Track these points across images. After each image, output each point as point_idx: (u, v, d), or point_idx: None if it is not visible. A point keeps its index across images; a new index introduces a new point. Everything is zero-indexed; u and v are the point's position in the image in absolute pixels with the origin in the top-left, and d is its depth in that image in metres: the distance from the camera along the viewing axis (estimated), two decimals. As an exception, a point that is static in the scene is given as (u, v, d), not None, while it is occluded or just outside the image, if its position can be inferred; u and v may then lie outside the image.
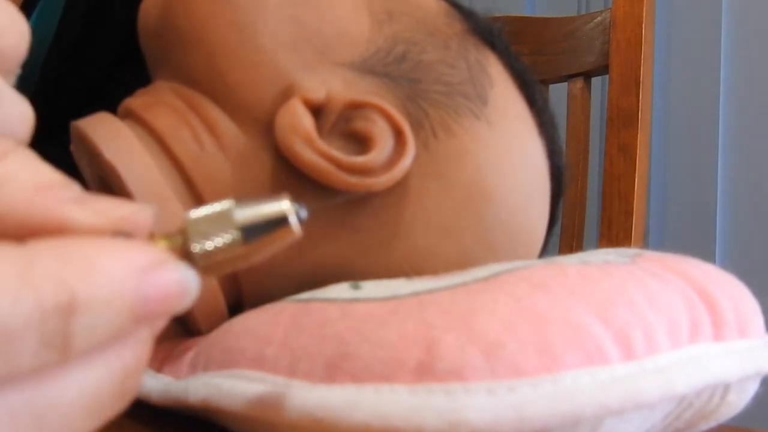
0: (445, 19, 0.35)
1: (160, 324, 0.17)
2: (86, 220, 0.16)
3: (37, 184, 0.16)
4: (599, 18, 0.83)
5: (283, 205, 0.18)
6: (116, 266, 0.15)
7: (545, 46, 0.88)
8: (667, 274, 0.28)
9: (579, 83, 0.86)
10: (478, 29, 0.36)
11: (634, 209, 0.75)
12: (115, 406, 0.16)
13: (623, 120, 0.77)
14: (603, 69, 0.83)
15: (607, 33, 0.81)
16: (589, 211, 0.88)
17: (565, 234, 0.84)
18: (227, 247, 0.18)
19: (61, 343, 0.14)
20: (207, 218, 0.18)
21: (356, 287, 0.28)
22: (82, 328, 0.15)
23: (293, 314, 0.27)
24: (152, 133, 0.31)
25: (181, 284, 0.16)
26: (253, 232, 0.18)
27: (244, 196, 0.19)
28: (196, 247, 0.18)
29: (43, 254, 0.15)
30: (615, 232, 0.76)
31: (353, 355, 0.24)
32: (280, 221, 0.18)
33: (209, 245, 0.18)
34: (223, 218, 0.18)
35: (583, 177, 0.85)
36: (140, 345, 0.16)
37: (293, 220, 0.18)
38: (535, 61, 0.87)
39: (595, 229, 0.82)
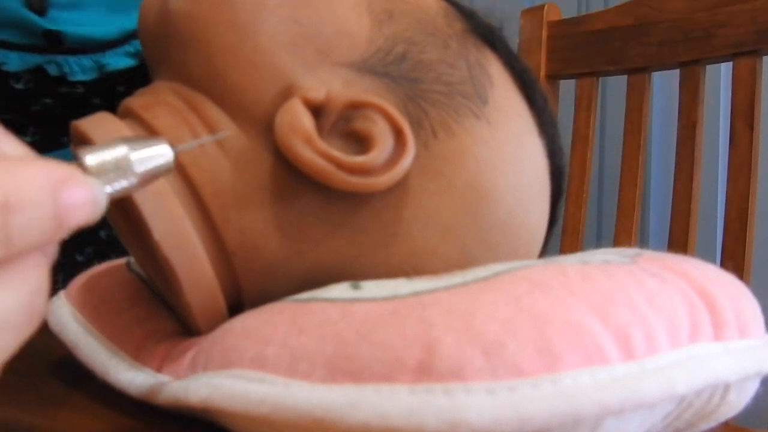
0: (444, 18, 0.35)
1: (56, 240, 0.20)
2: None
3: None
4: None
5: (170, 154, 0.23)
6: (38, 176, 0.18)
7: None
8: (667, 274, 0.28)
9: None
10: (478, 29, 0.36)
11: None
12: (26, 324, 0.19)
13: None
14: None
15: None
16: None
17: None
18: (125, 188, 0.22)
19: (3, 237, 0.17)
20: (106, 164, 0.22)
21: (356, 287, 0.28)
22: (19, 226, 0.18)
23: (293, 314, 0.27)
24: (152, 133, 0.31)
25: (93, 196, 0.20)
26: (147, 175, 0.23)
27: (128, 137, 0.23)
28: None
29: None
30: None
31: (353, 355, 0.24)
32: (166, 164, 0.23)
33: (113, 188, 0.22)
34: (122, 165, 0.22)
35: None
36: (40, 268, 0.19)
37: (172, 161, 0.24)
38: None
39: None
